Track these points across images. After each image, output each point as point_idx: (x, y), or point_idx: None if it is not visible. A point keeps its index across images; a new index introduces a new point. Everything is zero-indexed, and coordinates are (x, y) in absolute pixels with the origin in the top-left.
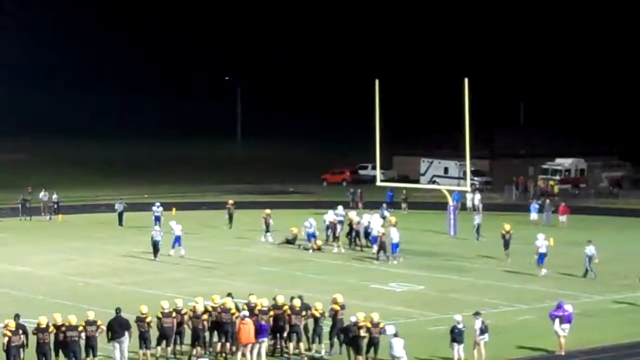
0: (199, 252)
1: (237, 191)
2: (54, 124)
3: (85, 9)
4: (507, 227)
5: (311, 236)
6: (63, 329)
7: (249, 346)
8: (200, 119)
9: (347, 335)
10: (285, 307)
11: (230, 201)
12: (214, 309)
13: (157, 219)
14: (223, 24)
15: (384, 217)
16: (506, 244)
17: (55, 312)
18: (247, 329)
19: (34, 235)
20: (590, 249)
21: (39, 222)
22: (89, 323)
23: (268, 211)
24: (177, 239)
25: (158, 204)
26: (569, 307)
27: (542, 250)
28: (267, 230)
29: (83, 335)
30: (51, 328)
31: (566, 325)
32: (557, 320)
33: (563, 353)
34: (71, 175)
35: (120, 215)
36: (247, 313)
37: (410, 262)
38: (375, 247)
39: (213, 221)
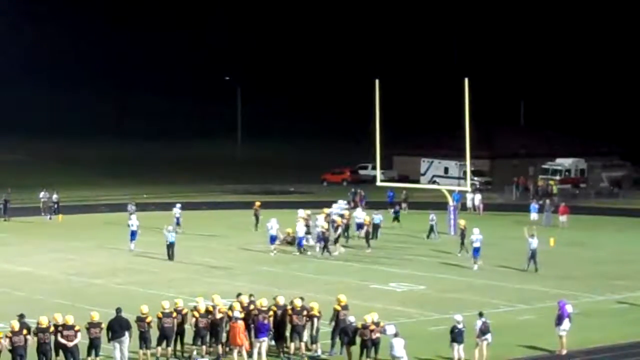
0: (200, 252)
1: (237, 191)
2: (54, 123)
3: (85, 9)
4: (462, 222)
5: (273, 239)
6: (60, 327)
7: (244, 347)
8: (200, 119)
9: (348, 336)
10: (288, 308)
11: (257, 203)
12: (214, 308)
13: (177, 220)
14: (224, 24)
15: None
16: (463, 239)
17: (56, 312)
18: (236, 330)
19: (34, 235)
20: (533, 242)
21: (39, 222)
22: (93, 325)
23: (309, 212)
24: (134, 234)
25: (179, 205)
26: (569, 307)
27: (477, 245)
28: (308, 232)
29: (82, 335)
30: (51, 328)
31: (567, 324)
32: (565, 323)
33: (564, 352)
34: (71, 175)
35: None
36: (238, 315)
37: (410, 262)
38: (316, 245)
39: (213, 221)
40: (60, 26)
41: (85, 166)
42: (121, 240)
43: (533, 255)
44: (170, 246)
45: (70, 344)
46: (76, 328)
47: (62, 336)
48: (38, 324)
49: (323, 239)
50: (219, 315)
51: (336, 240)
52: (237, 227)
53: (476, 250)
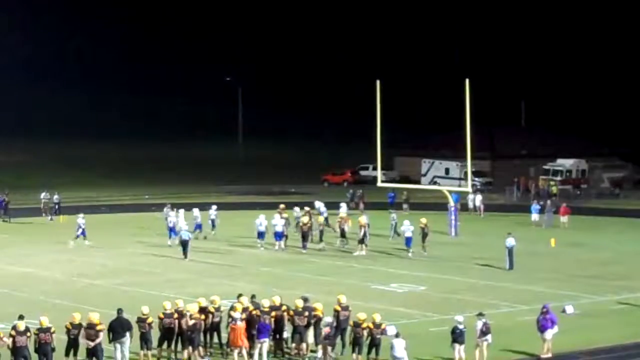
0: (200, 253)
1: (237, 192)
2: (55, 124)
3: (86, 10)
4: (424, 220)
5: (262, 235)
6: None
7: (243, 348)
8: (201, 120)
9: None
10: (284, 308)
11: (282, 205)
12: (216, 309)
13: (212, 222)
14: (224, 24)
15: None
16: (424, 237)
17: (59, 313)
18: (236, 332)
19: (35, 236)
20: (510, 241)
21: (40, 223)
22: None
23: (343, 215)
24: (172, 230)
25: (215, 207)
26: (569, 308)
27: (408, 234)
28: (342, 236)
29: (101, 335)
30: (53, 329)
31: (556, 328)
32: (555, 327)
33: (550, 355)
34: (72, 175)
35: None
36: (238, 315)
37: (411, 263)
38: (278, 243)
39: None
40: (60, 27)
41: (86, 167)
42: (122, 241)
43: (510, 254)
44: (184, 244)
45: (91, 344)
46: (98, 328)
47: (85, 335)
48: (40, 324)
49: (303, 234)
50: (191, 322)
51: (361, 241)
52: (238, 227)
53: (408, 240)
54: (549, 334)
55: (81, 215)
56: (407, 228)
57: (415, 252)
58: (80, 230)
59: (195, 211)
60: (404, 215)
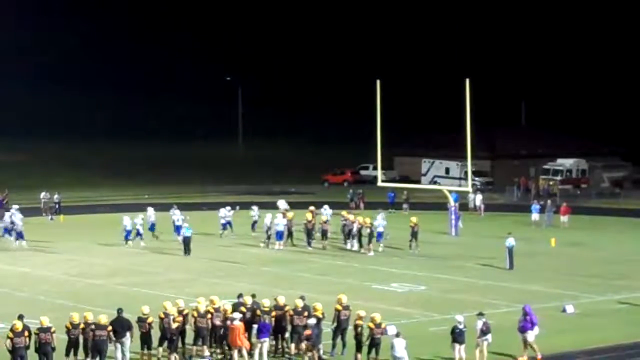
0: (201, 253)
1: (237, 192)
2: (55, 124)
3: (85, 9)
4: (414, 219)
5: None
6: (92, 327)
7: (243, 348)
8: (201, 120)
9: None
10: (287, 308)
11: (285, 207)
12: (216, 310)
13: (228, 223)
14: (224, 24)
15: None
16: (414, 235)
17: (63, 312)
18: (235, 332)
19: (35, 236)
20: (510, 241)
21: (40, 223)
22: (88, 325)
23: (351, 217)
24: (178, 228)
25: (229, 208)
26: (569, 308)
27: (380, 229)
28: (349, 236)
29: (112, 335)
30: (53, 328)
31: (537, 330)
32: (536, 328)
33: (540, 356)
34: (72, 175)
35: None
36: (237, 315)
37: (411, 262)
38: (278, 242)
39: (214, 222)
40: (61, 26)
41: (86, 167)
42: (122, 241)
43: (510, 253)
44: (186, 240)
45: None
46: (109, 328)
47: (95, 335)
48: (40, 324)
49: (307, 231)
50: (174, 325)
51: (369, 242)
52: (238, 227)
53: (379, 234)
54: (530, 335)
55: (141, 216)
56: (380, 223)
57: (405, 251)
58: (137, 231)
59: (222, 211)
60: (403, 215)
